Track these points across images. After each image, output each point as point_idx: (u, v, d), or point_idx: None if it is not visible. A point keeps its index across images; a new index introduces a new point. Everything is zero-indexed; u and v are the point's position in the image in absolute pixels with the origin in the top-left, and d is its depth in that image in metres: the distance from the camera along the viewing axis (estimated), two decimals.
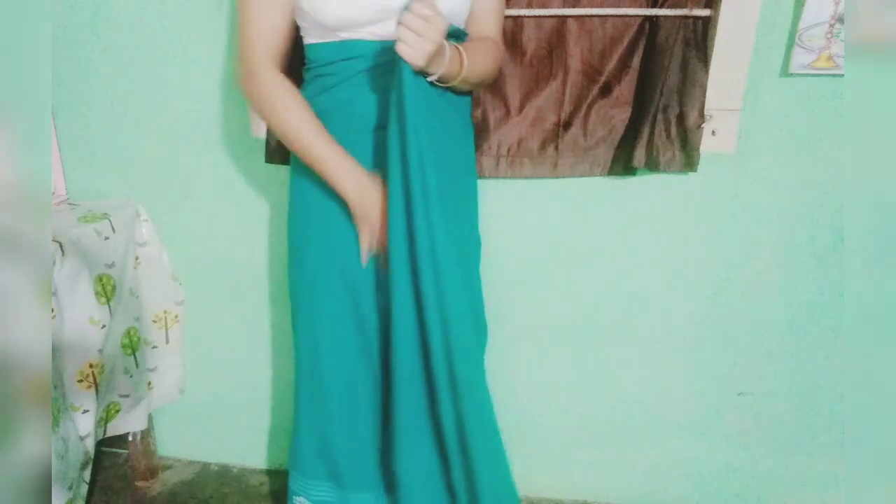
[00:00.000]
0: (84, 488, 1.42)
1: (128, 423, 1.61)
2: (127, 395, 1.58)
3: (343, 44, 1.09)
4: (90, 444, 1.42)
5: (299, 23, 1.12)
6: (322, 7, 1.04)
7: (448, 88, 1.12)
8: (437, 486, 1.26)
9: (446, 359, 1.12)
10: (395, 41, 0.95)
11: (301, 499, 1.36)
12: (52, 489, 1.28)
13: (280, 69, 1.10)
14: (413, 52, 0.94)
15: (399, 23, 0.94)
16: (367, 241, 1.14)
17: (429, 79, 1.04)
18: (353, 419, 1.28)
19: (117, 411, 1.57)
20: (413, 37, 0.93)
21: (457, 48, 1.06)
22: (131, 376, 1.58)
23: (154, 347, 1.67)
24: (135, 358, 1.58)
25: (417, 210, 1.05)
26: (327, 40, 1.10)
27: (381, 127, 1.10)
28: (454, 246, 1.15)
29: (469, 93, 1.25)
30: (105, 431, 1.56)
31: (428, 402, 1.19)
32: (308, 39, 1.14)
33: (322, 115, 1.11)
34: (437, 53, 0.99)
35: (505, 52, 1.28)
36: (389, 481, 1.30)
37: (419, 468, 1.23)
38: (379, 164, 1.11)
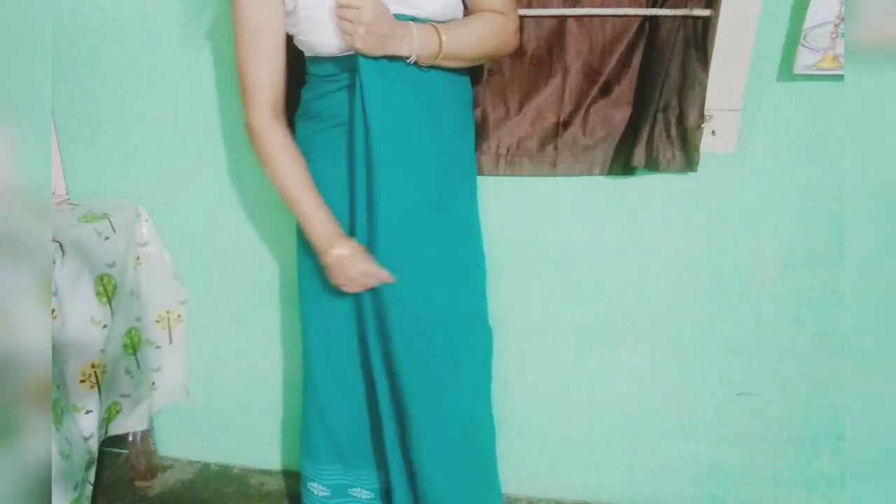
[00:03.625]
0: (88, 489, 1.42)
1: (129, 423, 1.61)
2: (128, 395, 1.58)
3: (338, 60, 1.15)
4: (94, 445, 1.42)
5: (298, 45, 1.18)
6: (318, 39, 1.11)
7: (451, 72, 1.17)
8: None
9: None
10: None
11: (315, 484, 1.44)
12: (59, 489, 1.28)
13: (280, 113, 1.18)
14: (352, 38, 1.04)
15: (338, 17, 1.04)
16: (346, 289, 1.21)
17: (408, 62, 1.09)
18: (357, 404, 1.37)
19: (118, 411, 1.57)
20: (348, 25, 1.03)
21: (432, 26, 1.10)
22: (132, 376, 1.58)
23: (157, 347, 1.67)
24: (136, 358, 1.58)
25: (379, 211, 1.15)
26: (323, 56, 1.16)
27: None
28: (446, 247, 1.24)
29: (471, 78, 1.28)
30: (106, 431, 1.56)
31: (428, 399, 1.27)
32: (307, 54, 1.19)
33: (321, 116, 1.20)
34: (392, 36, 1.05)
35: (514, 34, 1.22)
36: (383, 459, 1.39)
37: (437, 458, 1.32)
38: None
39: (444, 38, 1.09)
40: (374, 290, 1.21)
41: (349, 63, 1.11)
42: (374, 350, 1.26)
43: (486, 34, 1.16)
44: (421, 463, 1.30)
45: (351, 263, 1.16)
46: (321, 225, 1.18)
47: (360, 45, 1.04)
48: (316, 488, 1.43)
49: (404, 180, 1.16)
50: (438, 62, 1.12)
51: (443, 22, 1.12)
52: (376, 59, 1.08)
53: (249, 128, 1.17)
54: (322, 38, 1.10)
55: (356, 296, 1.24)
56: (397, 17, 1.07)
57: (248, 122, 1.16)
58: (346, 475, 1.42)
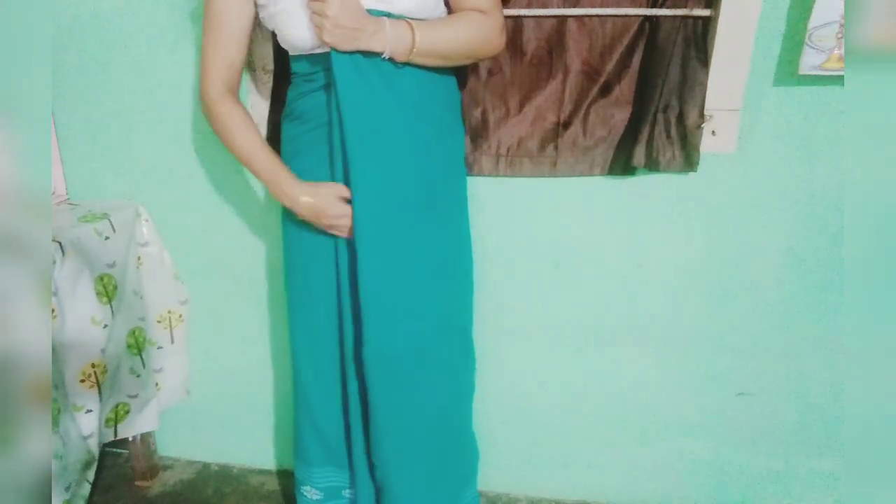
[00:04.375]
0: (86, 488, 1.42)
1: (138, 424, 1.61)
2: (135, 396, 1.58)
3: (317, 56, 1.15)
4: (94, 445, 1.42)
5: (280, 43, 1.19)
6: (293, 34, 1.12)
7: (433, 71, 1.17)
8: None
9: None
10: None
11: (307, 487, 1.44)
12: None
13: (234, 90, 1.22)
14: (320, 31, 1.05)
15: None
16: (335, 231, 1.20)
17: (383, 57, 1.10)
18: (342, 406, 1.36)
19: (126, 412, 1.57)
20: (316, 18, 1.05)
21: (406, 22, 1.09)
22: (139, 376, 1.58)
23: (159, 348, 1.67)
24: (141, 358, 1.58)
25: (361, 210, 1.14)
26: (304, 53, 1.17)
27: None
28: (427, 250, 1.23)
29: (457, 78, 1.28)
30: (116, 433, 1.56)
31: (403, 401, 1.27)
32: (291, 52, 1.20)
33: (304, 117, 1.22)
34: (361, 30, 1.05)
35: (498, 32, 1.18)
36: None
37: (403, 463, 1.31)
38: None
39: (417, 34, 1.09)
40: (354, 291, 1.20)
41: (327, 60, 1.11)
42: (348, 348, 1.27)
43: (466, 32, 1.14)
44: (383, 463, 1.30)
45: (325, 207, 1.16)
46: (280, 178, 1.18)
47: (327, 39, 1.05)
48: (309, 492, 1.43)
49: (380, 177, 1.15)
50: (413, 59, 1.11)
51: (419, 19, 1.12)
52: (351, 54, 1.08)
53: (202, 101, 1.21)
54: (297, 32, 1.11)
55: (339, 298, 1.24)
56: (372, 12, 1.07)
57: (201, 95, 1.21)
58: (338, 477, 1.41)
